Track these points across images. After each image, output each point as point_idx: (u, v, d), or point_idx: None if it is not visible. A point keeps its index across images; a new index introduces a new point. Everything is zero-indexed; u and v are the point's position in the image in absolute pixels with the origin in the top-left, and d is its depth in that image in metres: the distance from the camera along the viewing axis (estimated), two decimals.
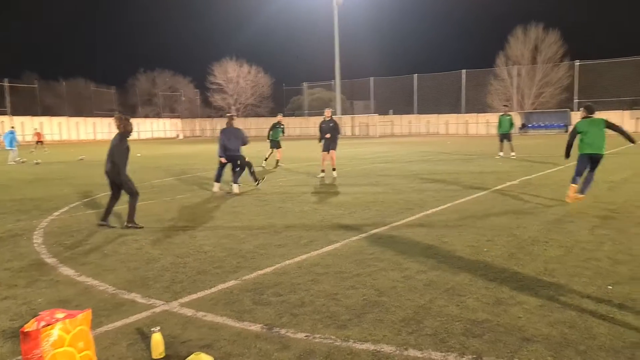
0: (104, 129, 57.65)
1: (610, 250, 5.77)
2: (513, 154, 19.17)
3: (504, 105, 25.30)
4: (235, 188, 11.29)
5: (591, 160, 8.83)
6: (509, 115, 19.82)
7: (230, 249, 6.25)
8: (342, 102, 55.83)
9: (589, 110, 9.00)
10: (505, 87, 53.29)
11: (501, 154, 19.41)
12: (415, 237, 6.65)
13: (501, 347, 3.45)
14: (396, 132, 55.61)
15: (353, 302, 4.37)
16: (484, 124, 49.24)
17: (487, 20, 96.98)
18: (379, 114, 54.01)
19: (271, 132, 18.12)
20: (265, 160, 17.91)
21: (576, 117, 46.62)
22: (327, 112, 14.14)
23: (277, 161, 18.13)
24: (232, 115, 11.90)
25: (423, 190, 11.00)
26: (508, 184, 11.62)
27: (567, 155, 9.06)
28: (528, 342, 3.51)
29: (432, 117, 54.24)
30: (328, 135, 13.78)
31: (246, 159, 11.69)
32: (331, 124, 13.81)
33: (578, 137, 8.90)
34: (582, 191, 8.79)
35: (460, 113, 54.15)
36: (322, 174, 13.91)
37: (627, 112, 45.13)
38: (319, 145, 14.22)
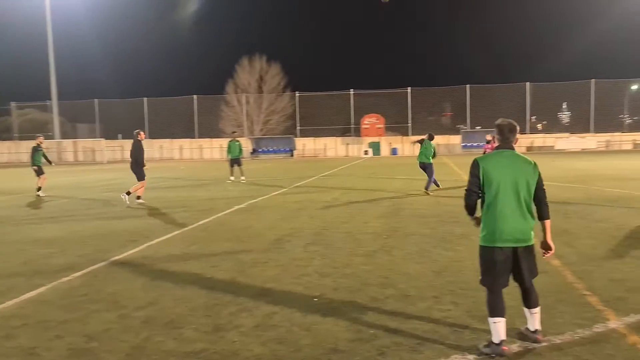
0: None
1: (319, 265, 6.40)
2: (243, 178, 20.08)
3: (233, 132, 26.54)
4: None
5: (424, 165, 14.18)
6: (238, 140, 20.81)
7: None
8: (62, 124, 50.50)
9: (430, 137, 14.22)
10: (236, 114, 56.06)
11: (232, 178, 20.14)
12: (137, 270, 6.29)
13: None
14: (127, 158, 52.98)
15: (56, 355, 3.83)
16: (218, 148, 50.58)
17: (217, 48, 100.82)
18: (106, 139, 50.53)
19: (34, 157, 15.87)
20: (39, 190, 15.67)
21: (299, 142, 51.77)
22: (143, 134, 14.03)
23: (38, 188, 15.86)
24: None
25: (146, 220, 10.59)
26: (236, 207, 12.05)
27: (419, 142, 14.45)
28: None
29: (166, 142, 53.37)
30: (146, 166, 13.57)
31: None
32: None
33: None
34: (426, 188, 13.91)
35: (194, 138, 54.64)
36: (142, 200, 13.41)
37: (339, 139, 52.13)
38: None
